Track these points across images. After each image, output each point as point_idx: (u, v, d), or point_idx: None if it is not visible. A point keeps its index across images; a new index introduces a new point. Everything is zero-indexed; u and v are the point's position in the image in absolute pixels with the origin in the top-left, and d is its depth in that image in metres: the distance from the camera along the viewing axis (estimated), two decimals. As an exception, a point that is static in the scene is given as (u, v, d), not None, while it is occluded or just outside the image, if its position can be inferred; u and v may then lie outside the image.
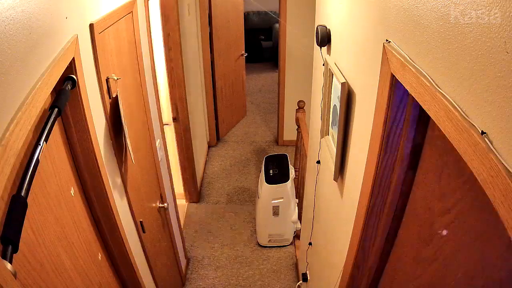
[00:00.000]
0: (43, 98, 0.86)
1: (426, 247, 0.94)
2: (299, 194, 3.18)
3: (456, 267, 0.84)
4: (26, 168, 0.77)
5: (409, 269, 1.04)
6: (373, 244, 1.20)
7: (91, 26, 1.22)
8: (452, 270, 0.86)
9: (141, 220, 1.75)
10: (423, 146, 0.94)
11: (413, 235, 1.02)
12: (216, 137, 4.90)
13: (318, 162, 1.95)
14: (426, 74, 0.72)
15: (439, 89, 0.66)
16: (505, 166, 0.49)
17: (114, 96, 1.43)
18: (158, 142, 2.21)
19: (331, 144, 1.59)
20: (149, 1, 2.02)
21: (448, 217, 0.84)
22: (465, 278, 0.82)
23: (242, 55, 5.16)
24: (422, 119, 0.92)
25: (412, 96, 0.79)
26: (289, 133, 4.64)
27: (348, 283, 1.35)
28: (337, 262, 1.56)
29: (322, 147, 1.82)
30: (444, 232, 0.85)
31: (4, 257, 0.65)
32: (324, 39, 1.62)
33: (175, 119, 3.26)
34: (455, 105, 0.61)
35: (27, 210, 0.74)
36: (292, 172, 3.11)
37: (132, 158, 1.56)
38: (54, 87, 0.95)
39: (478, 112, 0.56)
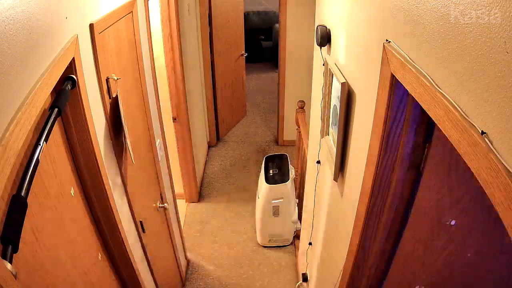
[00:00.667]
0: (43, 98, 0.86)
1: (436, 239, 0.94)
2: (299, 194, 3.18)
3: (466, 252, 0.85)
4: (26, 168, 0.77)
5: (419, 261, 1.04)
6: (373, 244, 1.20)
7: (91, 26, 1.22)
8: (463, 256, 0.86)
9: (141, 220, 1.75)
10: (430, 144, 0.94)
11: (422, 229, 1.01)
12: (216, 137, 4.90)
13: (318, 162, 1.95)
14: (426, 74, 0.72)
15: (439, 89, 0.66)
16: (505, 166, 0.49)
17: (114, 96, 1.42)
18: (158, 142, 2.21)
19: (331, 144, 1.59)
20: (149, 1, 2.02)
21: (457, 208, 0.85)
22: (475, 261, 0.82)
23: (242, 55, 5.16)
24: (426, 118, 0.92)
25: (412, 96, 0.79)
26: (289, 133, 4.64)
27: (348, 283, 1.35)
28: (337, 262, 1.56)
29: (322, 147, 1.82)
30: (453, 222, 0.85)
31: (4, 257, 0.65)
32: (324, 39, 1.62)
33: (175, 119, 3.26)
34: (455, 105, 0.61)
35: (27, 210, 0.74)
36: (292, 172, 3.11)
37: (132, 158, 1.56)
38: (54, 87, 0.95)
39: (478, 112, 0.56)
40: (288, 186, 3.00)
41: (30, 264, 0.86)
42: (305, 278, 2.43)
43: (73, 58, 1.06)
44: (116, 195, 1.43)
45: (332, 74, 1.47)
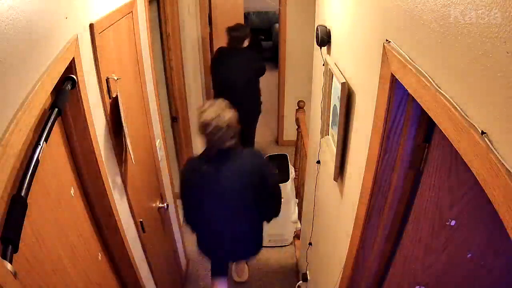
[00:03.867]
0: (43, 98, 0.86)
1: (436, 239, 0.94)
2: (299, 194, 3.18)
3: (466, 252, 0.85)
4: (26, 168, 0.77)
5: (419, 261, 1.04)
6: (373, 244, 1.20)
7: (91, 26, 1.22)
8: (463, 256, 0.86)
9: (141, 220, 1.75)
10: (430, 143, 0.94)
11: (422, 229, 1.01)
12: (216, 137, 4.89)
13: (318, 162, 1.95)
14: (426, 74, 0.72)
15: (439, 89, 0.66)
16: (505, 166, 0.49)
17: (114, 96, 1.42)
18: (158, 142, 2.21)
19: (331, 144, 1.59)
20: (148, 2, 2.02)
21: (457, 208, 0.85)
22: (475, 261, 0.82)
23: (242, 55, 5.15)
24: (426, 118, 0.92)
25: (412, 96, 0.79)
26: (289, 133, 4.64)
27: (348, 283, 1.35)
28: (337, 262, 1.56)
29: (322, 147, 1.82)
30: (453, 222, 0.86)
31: (4, 257, 0.65)
32: (324, 39, 1.62)
33: (175, 119, 3.26)
34: (455, 105, 0.61)
35: (27, 210, 0.74)
36: (292, 172, 3.11)
37: (132, 158, 1.56)
38: (54, 87, 0.95)
39: (478, 112, 0.56)
40: (288, 186, 2.99)
41: (30, 264, 0.86)
42: (305, 278, 2.43)
43: (73, 58, 1.06)
44: (116, 195, 1.43)
45: (332, 74, 1.47)
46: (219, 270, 2.41)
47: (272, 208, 2.19)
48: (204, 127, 1.79)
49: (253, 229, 2.20)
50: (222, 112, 1.81)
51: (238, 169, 1.91)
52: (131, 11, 1.68)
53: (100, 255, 1.38)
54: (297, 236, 3.29)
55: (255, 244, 2.31)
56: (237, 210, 2.04)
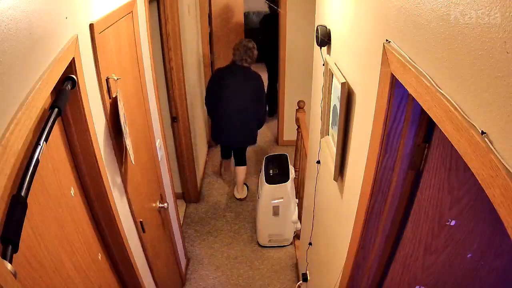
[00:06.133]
0: (43, 98, 0.86)
1: (436, 239, 0.94)
2: (299, 194, 3.18)
3: (466, 252, 0.85)
4: (26, 168, 0.77)
5: (419, 261, 1.04)
6: (373, 244, 1.20)
7: (91, 26, 1.22)
8: (463, 256, 0.86)
9: (141, 220, 1.75)
10: (430, 143, 0.94)
11: (422, 229, 1.01)
12: (216, 137, 4.89)
13: (318, 162, 1.95)
14: (426, 74, 0.72)
15: (439, 89, 0.66)
16: (505, 166, 0.49)
17: (114, 96, 1.42)
18: (158, 142, 2.21)
19: (331, 144, 1.59)
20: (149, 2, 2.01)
21: (457, 208, 0.85)
22: (475, 261, 0.82)
23: (242, 55, 5.15)
24: (426, 118, 0.92)
25: (412, 96, 0.79)
26: (289, 133, 4.63)
27: (348, 283, 1.35)
28: (337, 262, 1.56)
29: (322, 147, 1.82)
30: (453, 222, 0.86)
31: (4, 257, 0.65)
32: (324, 39, 1.62)
33: (175, 119, 3.26)
34: (455, 105, 0.61)
35: (27, 210, 0.74)
36: (292, 172, 3.11)
37: (132, 158, 1.56)
38: (54, 87, 0.95)
39: (478, 112, 0.56)
40: (288, 186, 3.00)
41: (30, 264, 0.86)
42: (305, 278, 2.43)
43: (73, 58, 1.06)
44: (116, 195, 1.43)
45: (332, 74, 1.47)
46: (226, 154, 4.00)
47: (260, 116, 3.46)
48: (238, 45, 3.25)
49: (250, 123, 3.43)
50: (253, 44, 3.28)
51: (246, 80, 3.29)
52: (131, 11, 1.68)
53: (100, 255, 1.38)
54: (297, 236, 3.30)
55: (251, 136, 3.54)
56: (242, 104, 3.30)
